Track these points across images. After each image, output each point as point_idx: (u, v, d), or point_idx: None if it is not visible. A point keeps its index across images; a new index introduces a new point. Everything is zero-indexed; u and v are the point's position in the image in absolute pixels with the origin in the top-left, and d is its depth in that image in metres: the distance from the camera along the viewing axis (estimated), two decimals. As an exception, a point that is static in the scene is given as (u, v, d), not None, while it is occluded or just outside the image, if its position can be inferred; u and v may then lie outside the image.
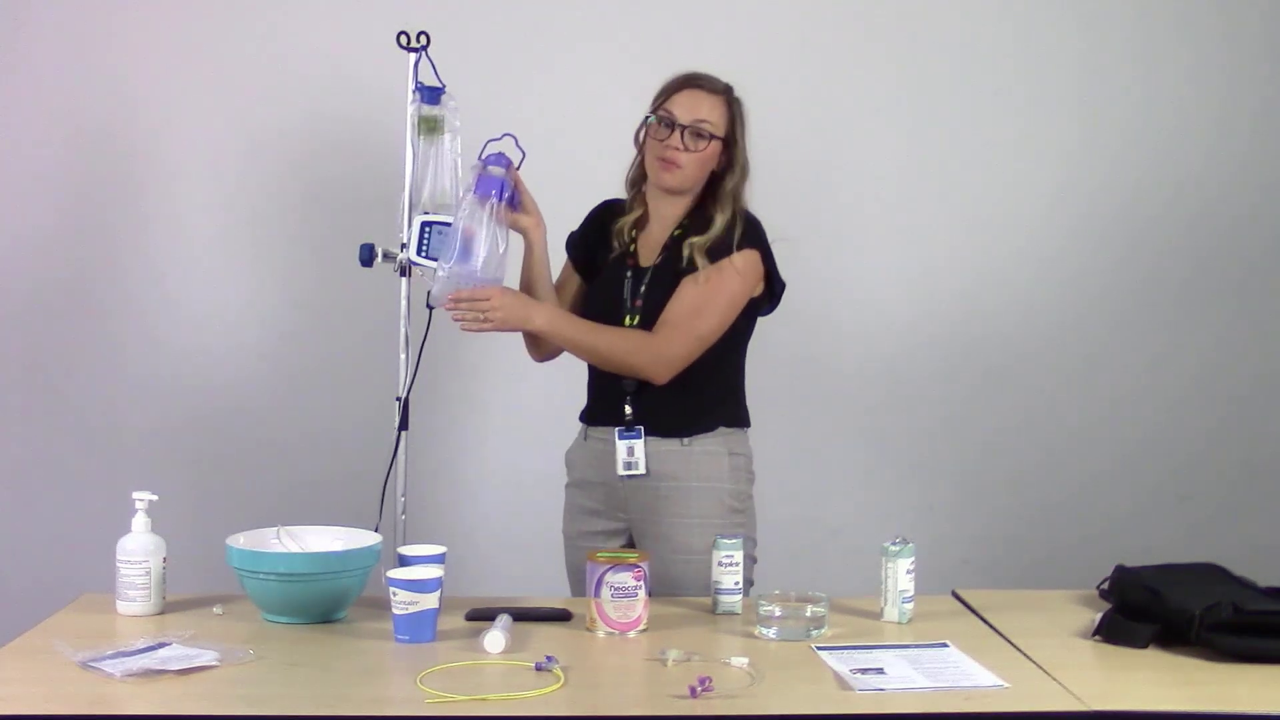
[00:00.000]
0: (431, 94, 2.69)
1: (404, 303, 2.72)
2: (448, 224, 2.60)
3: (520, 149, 2.60)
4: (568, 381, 2.81)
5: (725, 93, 2.69)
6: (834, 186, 3.82)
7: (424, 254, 2.64)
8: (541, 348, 2.77)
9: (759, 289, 2.70)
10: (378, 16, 3.26)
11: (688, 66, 2.73)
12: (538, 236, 2.67)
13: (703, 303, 2.62)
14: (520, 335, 2.73)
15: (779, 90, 3.77)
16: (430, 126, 2.69)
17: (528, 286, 2.70)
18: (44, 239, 3.66)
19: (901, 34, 3.82)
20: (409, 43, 2.70)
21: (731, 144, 2.68)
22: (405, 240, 2.67)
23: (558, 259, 2.83)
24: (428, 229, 2.63)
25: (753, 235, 2.68)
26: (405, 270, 2.70)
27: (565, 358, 2.77)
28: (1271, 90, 3.90)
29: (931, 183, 3.84)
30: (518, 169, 2.60)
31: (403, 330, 2.74)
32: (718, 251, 2.63)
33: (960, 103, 3.82)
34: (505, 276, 2.58)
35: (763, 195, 2.79)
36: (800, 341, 3.77)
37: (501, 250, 2.56)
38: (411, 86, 2.70)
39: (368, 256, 2.68)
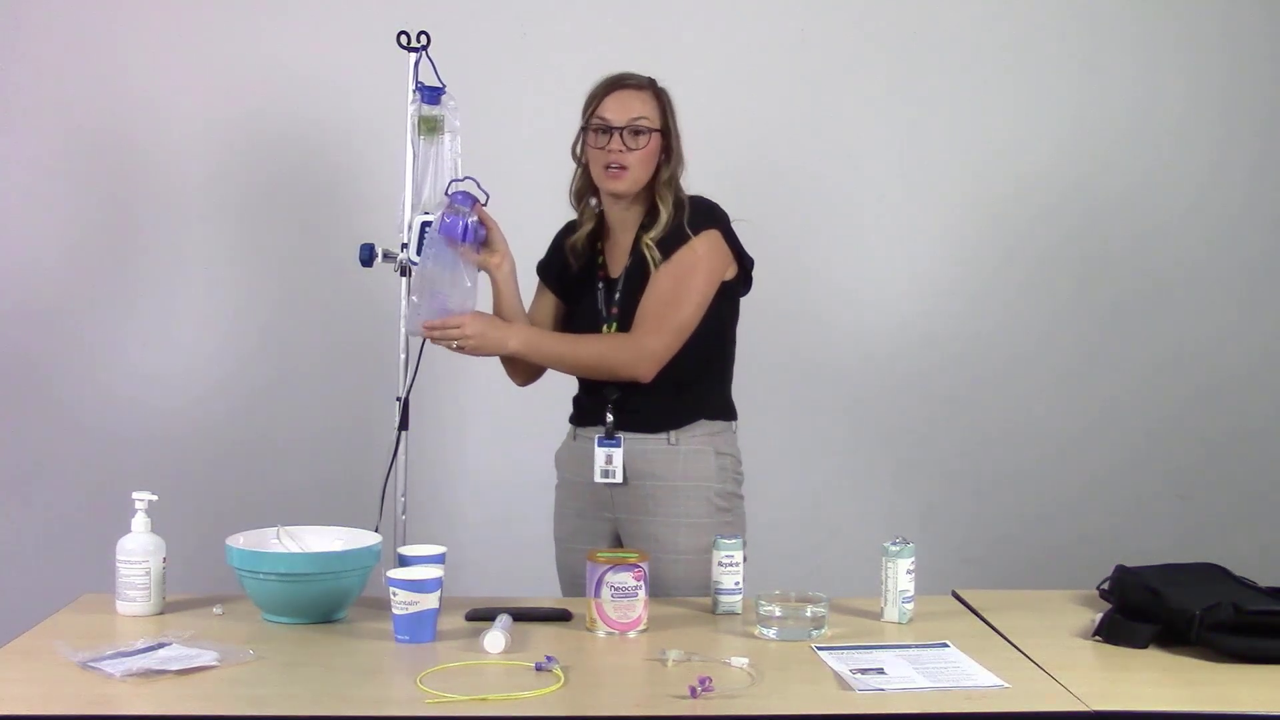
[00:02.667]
0: (431, 94, 2.69)
1: (404, 303, 2.72)
2: None
3: (484, 190, 2.60)
4: (568, 382, 2.80)
5: (651, 86, 2.69)
6: (832, 187, 3.82)
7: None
8: (522, 373, 2.77)
9: (731, 271, 2.68)
10: (378, 16, 3.27)
11: (679, 66, 2.74)
12: (503, 274, 2.65)
13: (674, 292, 2.60)
14: None
15: (778, 90, 3.78)
16: (430, 126, 2.69)
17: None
18: (43, 239, 3.67)
19: (900, 34, 3.82)
20: (409, 43, 2.70)
21: (667, 134, 2.67)
22: (405, 240, 2.67)
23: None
24: (428, 229, 2.63)
25: (706, 216, 2.66)
26: (405, 270, 2.69)
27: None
28: (1273, 86, 3.90)
29: (930, 182, 3.85)
30: (484, 206, 2.60)
31: (403, 330, 2.73)
32: (673, 239, 2.62)
33: (957, 103, 3.83)
34: (474, 307, 2.60)
35: (762, 195, 2.79)
36: (799, 342, 3.77)
37: (469, 285, 2.58)
38: (411, 86, 2.70)
39: (368, 256, 2.68)
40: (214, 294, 3.71)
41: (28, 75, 3.65)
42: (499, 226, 2.62)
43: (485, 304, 2.67)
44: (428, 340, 2.62)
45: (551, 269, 2.81)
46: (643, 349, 2.60)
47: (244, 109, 3.69)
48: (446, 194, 2.60)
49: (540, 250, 2.82)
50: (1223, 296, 3.91)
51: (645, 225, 2.66)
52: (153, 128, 3.67)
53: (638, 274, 2.65)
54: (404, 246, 2.67)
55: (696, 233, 2.62)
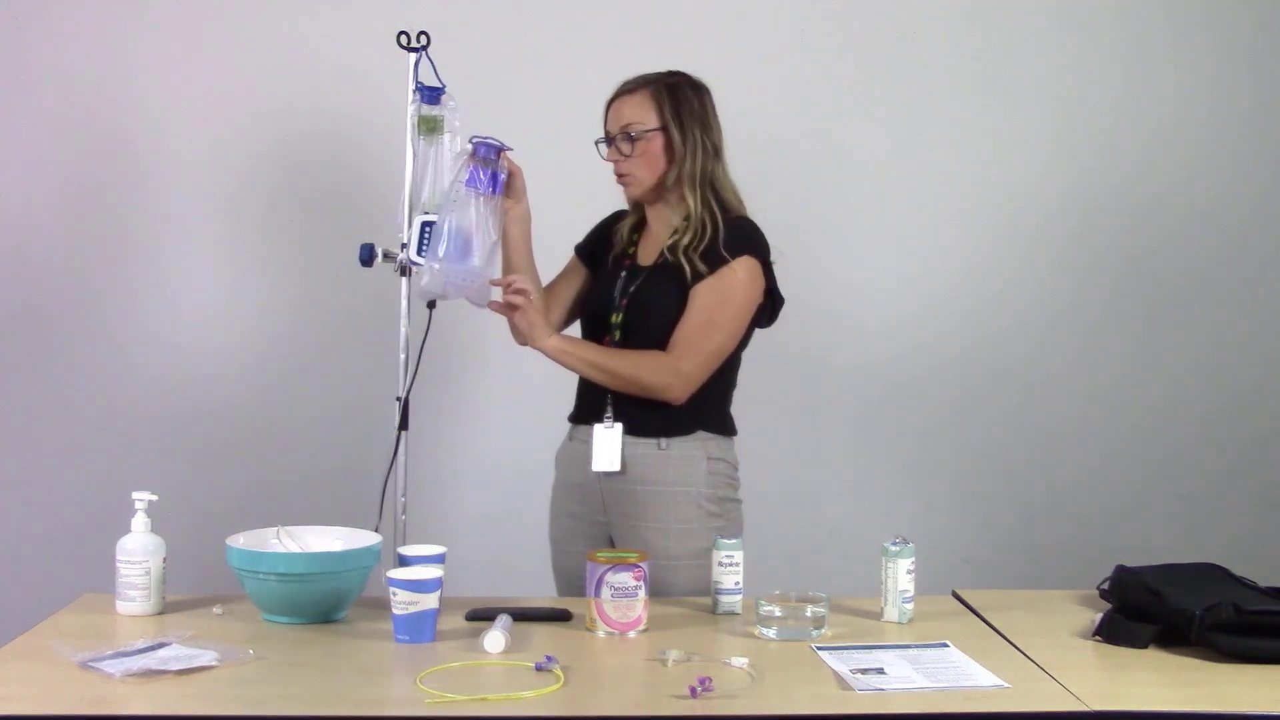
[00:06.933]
0: (431, 94, 2.69)
1: (404, 303, 2.72)
2: None
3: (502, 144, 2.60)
4: (568, 381, 2.80)
5: (648, 85, 2.69)
6: (832, 187, 3.83)
7: (424, 254, 2.64)
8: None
9: (760, 299, 2.68)
10: (378, 16, 3.27)
11: (679, 66, 2.74)
12: (513, 219, 2.64)
13: (711, 316, 2.60)
14: (508, 328, 2.70)
15: (778, 90, 3.78)
16: (430, 126, 2.69)
17: (507, 266, 2.68)
18: (44, 238, 3.67)
19: (898, 35, 3.82)
20: (409, 43, 2.70)
21: (668, 129, 2.66)
22: (405, 240, 2.67)
23: (556, 259, 2.85)
24: (428, 229, 2.63)
25: (750, 242, 2.65)
26: (405, 270, 2.69)
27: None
28: (1261, 89, 3.91)
29: (929, 183, 3.85)
30: (510, 151, 2.60)
31: (402, 330, 2.73)
32: (711, 258, 2.60)
33: (956, 104, 3.83)
34: (496, 268, 2.60)
35: (762, 196, 2.79)
36: (799, 342, 3.75)
37: (493, 240, 2.58)
38: (411, 86, 2.70)
39: (368, 256, 2.68)
40: (214, 294, 3.71)
41: (29, 75, 3.65)
42: (521, 172, 2.63)
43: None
44: (480, 299, 2.57)
45: (589, 248, 2.85)
46: (678, 371, 2.59)
47: (243, 109, 3.69)
48: (470, 142, 2.57)
49: (541, 248, 2.80)
50: (1223, 297, 3.92)
51: (679, 228, 2.66)
52: (152, 127, 3.67)
53: (661, 273, 2.65)
54: (404, 246, 2.67)
55: (734, 256, 2.61)
